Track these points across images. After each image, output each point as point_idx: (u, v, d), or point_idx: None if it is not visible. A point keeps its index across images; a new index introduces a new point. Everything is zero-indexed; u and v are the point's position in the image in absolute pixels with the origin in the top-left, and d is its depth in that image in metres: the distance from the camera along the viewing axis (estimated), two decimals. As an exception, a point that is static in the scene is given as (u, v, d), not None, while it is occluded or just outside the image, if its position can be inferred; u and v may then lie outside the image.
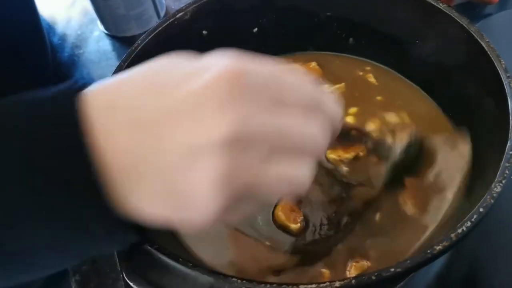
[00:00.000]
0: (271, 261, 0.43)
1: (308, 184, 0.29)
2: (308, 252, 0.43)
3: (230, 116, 0.25)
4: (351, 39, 0.57)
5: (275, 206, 0.46)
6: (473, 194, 0.41)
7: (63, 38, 0.76)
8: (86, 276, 0.50)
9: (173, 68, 0.28)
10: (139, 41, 0.49)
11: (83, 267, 0.50)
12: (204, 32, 0.54)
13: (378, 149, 0.48)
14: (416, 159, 0.47)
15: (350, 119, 0.52)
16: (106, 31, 0.75)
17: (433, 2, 0.49)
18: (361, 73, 0.56)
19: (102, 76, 0.70)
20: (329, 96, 0.31)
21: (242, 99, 0.25)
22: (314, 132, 0.29)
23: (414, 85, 0.55)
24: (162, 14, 0.75)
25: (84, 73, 0.71)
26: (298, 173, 0.28)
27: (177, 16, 0.51)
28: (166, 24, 0.51)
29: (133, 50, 0.48)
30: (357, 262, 0.42)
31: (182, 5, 0.71)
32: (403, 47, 0.54)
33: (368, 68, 0.57)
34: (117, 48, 0.73)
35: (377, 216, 0.45)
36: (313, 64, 0.56)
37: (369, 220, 0.45)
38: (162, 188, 0.26)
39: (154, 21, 0.74)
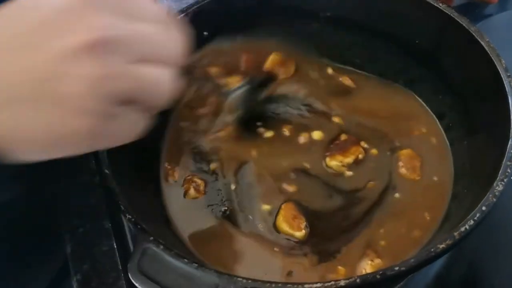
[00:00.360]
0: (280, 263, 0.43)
1: (172, 88, 0.32)
2: (318, 252, 0.44)
3: (90, 23, 0.28)
4: (353, 42, 0.57)
5: (276, 215, 0.46)
6: (473, 194, 0.42)
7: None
8: (87, 275, 0.50)
9: None
10: None
11: (84, 266, 0.50)
12: (205, 33, 0.54)
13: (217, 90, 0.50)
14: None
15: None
16: None
17: (432, 2, 0.50)
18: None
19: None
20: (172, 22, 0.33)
21: (99, 10, 0.28)
22: (167, 39, 0.31)
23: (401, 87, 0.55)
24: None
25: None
26: (164, 77, 0.31)
27: (178, 17, 0.52)
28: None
29: None
30: (371, 260, 0.42)
31: (183, 5, 0.71)
32: (403, 47, 0.55)
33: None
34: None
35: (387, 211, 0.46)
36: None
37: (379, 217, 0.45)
38: (38, 98, 0.28)
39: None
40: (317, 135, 0.51)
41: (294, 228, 0.44)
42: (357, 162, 0.49)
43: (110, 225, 0.49)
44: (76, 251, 0.47)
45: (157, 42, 0.31)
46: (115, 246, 0.48)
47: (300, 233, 0.44)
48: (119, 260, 0.47)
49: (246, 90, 0.54)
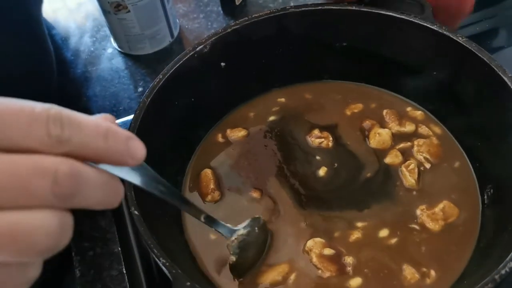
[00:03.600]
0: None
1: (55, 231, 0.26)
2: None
3: None
4: (365, 68, 0.57)
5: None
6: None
7: (76, 53, 0.76)
8: (88, 268, 0.48)
9: None
10: (161, 76, 0.50)
11: (86, 258, 0.49)
12: (223, 63, 0.54)
13: None
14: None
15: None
16: (119, 49, 0.75)
17: (452, 36, 0.49)
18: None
19: (114, 94, 0.70)
20: None
21: None
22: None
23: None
24: (175, 33, 0.75)
25: (97, 90, 0.71)
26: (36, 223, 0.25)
27: (197, 49, 0.52)
28: (186, 57, 0.51)
29: (156, 85, 0.49)
30: None
31: (195, 25, 0.72)
32: (418, 76, 0.54)
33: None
34: (129, 66, 0.73)
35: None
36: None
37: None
38: None
39: (168, 40, 0.74)
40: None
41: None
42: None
43: (119, 249, 0.48)
44: (86, 275, 0.46)
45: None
46: (124, 271, 0.47)
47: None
48: (128, 285, 0.47)
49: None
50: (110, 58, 0.75)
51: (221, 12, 0.78)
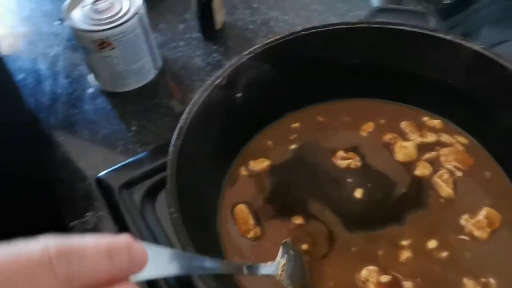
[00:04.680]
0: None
1: None
2: None
3: None
4: (378, 83, 0.57)
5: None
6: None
7: (53, 98, 0.70)
8: None
9: None
10: (186, 115, 0.47)
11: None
12: (239, 94, 0.52)
13: None
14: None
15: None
16: (102, 87, 0.70)
17: (467, 44, 0.50)
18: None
19: (106, 137, 0.65)
20: None
21: None
22: None
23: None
24: (159, 65, 0.72)
25: (85, 134, 0.66)
26: None
27: (215, 83, 0.50)
28: (208, 92, 0.49)
29: (182, 127, 0.47)
30: None
31: (178, 54, 0.70)
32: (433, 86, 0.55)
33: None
34: (116, 105, 0.69)
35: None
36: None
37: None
38: None
39: (153, 73, 0.71)
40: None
41: None
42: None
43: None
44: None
45: None
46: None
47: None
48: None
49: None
50: (92, 98, 0.70)
51: (202, 37, 0.76)
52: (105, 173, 0.60)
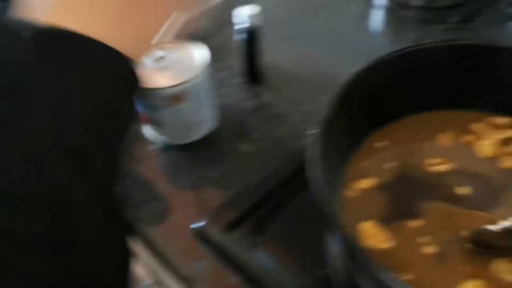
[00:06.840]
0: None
1: None
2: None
3: None
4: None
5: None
6: None
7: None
8: None
9: None
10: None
11: None
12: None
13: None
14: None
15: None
16: (169, 141, 0.72)
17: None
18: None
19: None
20: None
21: None
22: None
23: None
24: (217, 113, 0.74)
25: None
26: None
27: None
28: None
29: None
30: None
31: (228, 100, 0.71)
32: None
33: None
34: (187, 156, 0.71)
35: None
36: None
37: None
38: None
39: (214, 121, 0.73)
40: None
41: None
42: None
43: None
44: None
45: None
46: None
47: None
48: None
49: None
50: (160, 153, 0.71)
51: (245, 81, 0.80)
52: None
